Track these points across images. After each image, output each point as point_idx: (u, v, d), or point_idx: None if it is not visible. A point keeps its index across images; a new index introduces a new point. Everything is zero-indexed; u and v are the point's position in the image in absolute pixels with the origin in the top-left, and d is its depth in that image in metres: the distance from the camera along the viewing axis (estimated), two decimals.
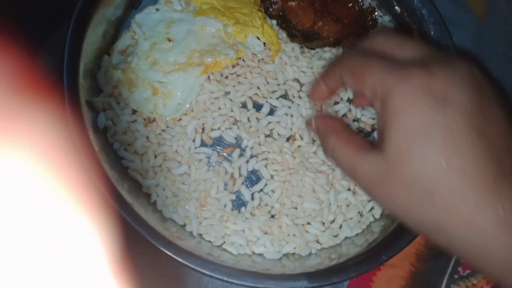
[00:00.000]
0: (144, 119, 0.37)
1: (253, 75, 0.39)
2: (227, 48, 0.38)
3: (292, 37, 0.40)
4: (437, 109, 0.25)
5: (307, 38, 0.40)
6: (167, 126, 0.37)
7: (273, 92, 0.39)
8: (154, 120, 0.37)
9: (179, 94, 0.37)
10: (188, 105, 0.37)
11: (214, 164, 0.37)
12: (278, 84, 0.39)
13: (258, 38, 0.39)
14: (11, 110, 0.13)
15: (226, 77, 0.39)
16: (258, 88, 0.39)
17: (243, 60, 0.39)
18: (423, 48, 0.28)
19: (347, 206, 0.38)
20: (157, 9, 0.39)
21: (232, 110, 0.38)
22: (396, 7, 0.43)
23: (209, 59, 0.37)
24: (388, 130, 0.26)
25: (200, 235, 0.35)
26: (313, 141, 0.38)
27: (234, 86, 0.38)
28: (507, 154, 0.25)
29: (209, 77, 0.38)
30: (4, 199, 0.12)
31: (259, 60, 0.39)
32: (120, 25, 0.39)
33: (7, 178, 0.12)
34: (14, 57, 0.15)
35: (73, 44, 0.35)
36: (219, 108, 0.38)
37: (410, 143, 0.25)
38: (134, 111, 0.37)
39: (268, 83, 0.39)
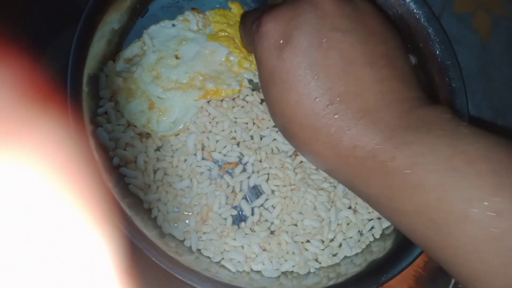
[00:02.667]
0: (139, 134, 0.36)
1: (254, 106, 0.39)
2: (231, 78, 0.38)
3: None
4: (276, 54, 0.27)
5: None
6: (168, 142, 0.36)
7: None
8: (149, 135, 0.36)
9: (175, 113, 0.36)
10: (182, 126, 0.37)
11: (215, 177, 0.37)
12: None
13: None
14: (15, 114, 0.13)
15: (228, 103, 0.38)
16: (258, 117, 0.38)
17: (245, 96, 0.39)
18: None
19: (348, 224, 0.38)
20: (174, 25, 0.39)
21: (234, 131, 0.37)
22: (400, 20, 0.43)
23: (211, 85, 0.37)
24: (258, 67, 0.30)
25: (199, 250, 0.35)
26: None
27: (233, 107, 0.38)
28: (343, 80, 0.26)
29: (208, 101, 0.38)
30: (6, 202, 0.12)
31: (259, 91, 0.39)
32: (125, 33, 0.39)
33: (10, 181, 0.12)
34: (18, 61, 0.15)
35: (78, 52, 0.34)
36: (222, 130, 0.37)
37: (265, 91, 0.29)
38: (128, 124, 0.36)
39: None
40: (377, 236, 0.38)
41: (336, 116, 0.26)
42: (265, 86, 0.28)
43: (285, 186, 0.37)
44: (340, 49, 0.26)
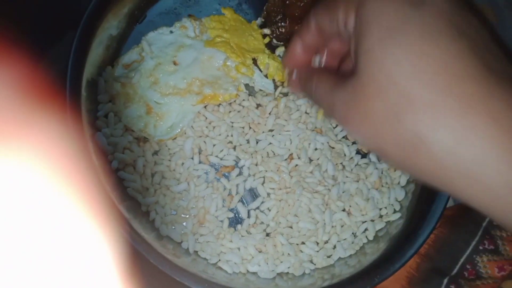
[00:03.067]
0: (136, 138, 0.37)
1: (250, 111, 0.39)
2: (228, 83, 0.38)
3: None
4: (412, 6, 0.22)
5: None
6: (165, 145, 0.37)
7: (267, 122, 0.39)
8: (146, 140, 0.37)
9: (172, 117, 0.37)
10: (178, 130, 0.37)
11: (212, 180, 0.37)
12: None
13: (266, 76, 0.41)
14: (16, 115, 0.13)
15: (225, 108, 0.39)
16: (254, 121, 0.39)
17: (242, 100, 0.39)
18: None
19: (342, 226, 0.38)
20: (171, 32, 0.40)
21: (231, 135, 0.38)
22: None
23: (208, 91, 0.38)
24: (362, 41, 0.23)
25: (196, 252, 0.36)
26: (310, 160, 0.39)
27: (230, 112, 0.39)
28: (491, 56, 0.22)
29: (205, 106, 0.38)
30: (7, 203, 0.12)
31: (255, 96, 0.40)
32: (123, 39, 0.40)
33: (11, 182, 0.13)
34: (19, 64, 0.15)
35: (77, 57, 0.35)
36: (219, 135, 0.38)
37: (383, 42, 0.22)
38: (126, 129, 0.37)
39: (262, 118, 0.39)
40: (371, 238, 0.39)
41: (496, 80, 0.21)
42: (385, 36, 0.22)
43: (280, 189, 0.38)
44: (475, 25, 0.23)
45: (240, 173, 0.38)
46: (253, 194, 0.38)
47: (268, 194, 0.38)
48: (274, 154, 0.39)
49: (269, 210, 0.38)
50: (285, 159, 0.39)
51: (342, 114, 0.25)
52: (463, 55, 0.21)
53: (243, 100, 0.39)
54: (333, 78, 0.27)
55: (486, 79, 0.21)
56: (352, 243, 0.38)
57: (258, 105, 0.39)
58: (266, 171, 0.38)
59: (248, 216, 0.37)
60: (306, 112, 0.40)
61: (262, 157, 0.38)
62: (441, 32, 0.22)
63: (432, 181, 0.23)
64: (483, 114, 0.20)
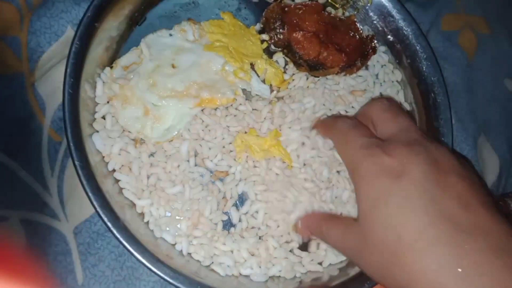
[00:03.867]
0: (133, 140, 0.37)
1: (246, 115, 0.40)
2: (226, 87, 0.39)
3: (298, 66, 0.41)
4: (392, 181, 0.29)
5: (312, 68, 0.41)
6: (162, 147, 0.37)
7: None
8: (143, 141, 0.37)
9: (169, 120, 0.37)
10: (175, 133, 0.37)
11: (207, 183, 0.38)
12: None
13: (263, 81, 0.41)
14: None
15: (222, 112, 0.39)
16: (249, 125, 0.39)
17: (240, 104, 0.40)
18: (396, 128, 0.33)
19: None
20: (171, 35, 0.40)
21: (223, 138, 0.38)
22: (390, 37, 0.45)
23: (206, 94, 0.38)
24: (359, 203, 0.30)
25: (190, 254, 0.36)
26: (304, 164, 0.39)
27: (226, 116, 0.39)
28: (466, 216, 0.27)
29: (203, 109, 0.39)
30: None
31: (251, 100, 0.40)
32: (122, 41, 0.40)
33: None
34: None
35: (76, 57, 0.35)
36: (215, 138, 0.38)
37: (372, 210, 0.29)
38: (123, 130, 0.37)
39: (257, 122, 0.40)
40: None
41: (465, 248, 0.25)
42: (376, 208, 0.29)
43: (266, 191, 0.38)
44: (457, 189, 0.28)
45: (234, 177, 0.38)
46: (244, 197, 0.39)
47: (256, 195, 0.38)
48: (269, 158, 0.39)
49: (257, 213, 0.38)
50: (279, 160, 0.39)
51: (352, 254, 0.31)
52: (434, 222, 0.27)
53: (240, 104, 0.39)
54: (342, 223, 0.33)
55: (453, 242, 0.26)
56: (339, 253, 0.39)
57: (254, 110, 0.40)
58: (259, 174, 0.38)
59: (240, 221, 0.38)
60: (301, 113, 0.40)
61: (253, 161, 0.38)
62: (415, 202, 0.27)
63: None
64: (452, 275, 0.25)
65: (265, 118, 0.39)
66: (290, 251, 0.38)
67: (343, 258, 0.38)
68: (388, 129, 0.33)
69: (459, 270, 0.25)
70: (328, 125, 0.38)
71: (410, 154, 0.30)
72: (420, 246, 0.26)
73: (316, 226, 0.35)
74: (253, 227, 0.38)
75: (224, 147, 0.38)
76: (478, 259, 0.25)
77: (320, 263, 0.38)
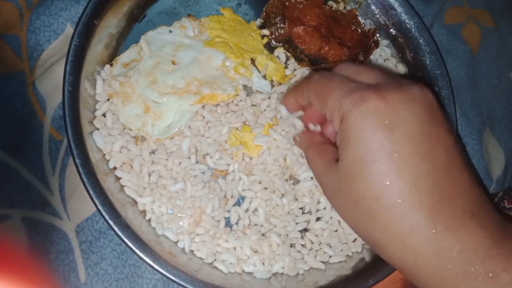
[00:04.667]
0: (134, 137, 0.37)
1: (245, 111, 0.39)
2: (227, 83, 0.38)
3: (299, 61, 0.41)
4: (385, 133, 0.26)
5: (314, 62, 0.41)
6: (163, 144, 0.37)
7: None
8: (144, 139, 0.37)
9: (170, 117, 0.37)
10: (176, 129, 0.37)
11: (209, 180, 0.37)
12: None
13: (264, 77, 0.41)
14: None
15: (223, 108, 0.39)
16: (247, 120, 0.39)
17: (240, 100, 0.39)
18: (379, 75, 0.30)
19: (335, 231, 0.39)
20: (170, 31, 0.40)
21: (222, 135, 0.38)
22: (392, 30, 0.44)
23: (207, 90, 0.38)
24: (342, 150, 0.28)
25: (192, 251, 0.36)
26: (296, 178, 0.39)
27: (227, 113, 0.39)
28: (448, 178, 0.26)
29: (203, 106, 0.38)
30: None
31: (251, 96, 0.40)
32: (122, 38, 0.40)
33: None
34: None
35: (75, 55, 0.35)
36: (213, 135, 0.38)
37: (358, 165, 0.27)
38: (124, 127, 0.37)
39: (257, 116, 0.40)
40: (359, 250, 0.39)
41: (442, 213, 0.25)
42: (354, 166, 0.27)
43: (266, 188, 0.38)
44: (445, 145, 0.27)
45: (234, 177, 0.38)
46: (244, 195, 0.38)
47: (255, 193, 0.38)
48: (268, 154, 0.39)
49: (257, 211, 0.37)
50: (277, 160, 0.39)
51: (327, 193, 0.31)
52: (418, 184, 0.26)
53: (240, 100, 0.39)
54: (326, 156, 0.31)
55: (433, 208, 0.26)
56: (342, 250, 0.38)
57: (253, 106, 0.39)
58: (258, 174, 0.38)
59: (240, 218, 0.37)
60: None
61: (250, 159, 0.38)
62: (405, 160, 0.26)
63: (394, 265, 0.28)
64: (432, 229, 0.26)
65: (261, 112, 0.39)
66: (291, 246, 0.37)
67: (345, 257, 0.38)
68: (372, 77, 0.30)
69: (433, 232, 0.25)
70: (302, 84, 0.33)
71: (405, 99, 0.27)
72: (398, 209, 0.26)
73: (305, 147, 0.34)
74: (255, 224, 0.37)
75: (220, 144, 0.38)
76: (453, 223, 0.25)
77: (323, 261, 0.38)
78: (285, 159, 0.38)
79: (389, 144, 0.26)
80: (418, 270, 0.26)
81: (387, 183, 0.26)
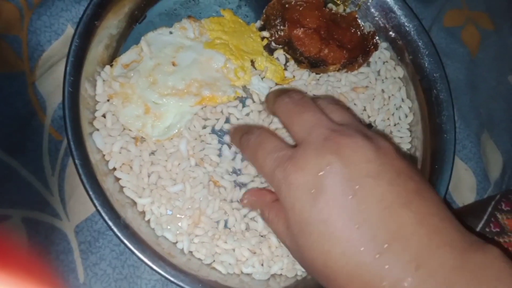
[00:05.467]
0: (133, 138, 0.37)
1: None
2: (227, 85, 0.39)
3: (299, 63, 0.41)
4: (311, 204, 0.26)
5: (313, 64, 0.41)
6: (162, 145, 0.37)
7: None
8: (144, 139, 0.37)
9: (170, 118, 0.37)
10: (176, 131, 0.37)
11: (208, 182, 0.38)
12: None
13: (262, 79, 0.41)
14: None
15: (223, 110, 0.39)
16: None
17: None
18: (346, 117, 0.31)
19: None
20: (171, 32, 0.40)
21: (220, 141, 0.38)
22: (392, 33, 0.44)
23: (207, 92, 0.38)
24: (286, 214, 0.28)
25: (191, 252, 0.36)
26: None
27: (228, 115, 0.39)
28: (386, 226, 0.25)
29: (203, 108, 0.38)
30: None
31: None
32: (123, 39, 0.40)
33: None
34: None
35: (76, 56, 0.35)
36: (212, 140, 0.38)
37: (298, 235, 0.27)
38: (124, 128, 0.37)
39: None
40: None
41: (387, 267, 0.24)
42: (299, 235, 0.27)
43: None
44: (374, 194, 0.26)
45: (234, 180, 0.38)
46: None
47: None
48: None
49: (259, 218, 0.37)
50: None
51: (294, 255, 0.30)
52: (355, 246, 0.25)
53: (239, 102, 0.39)
54: (282, 219, 0.30)
55: (378, 264, 0.24)
56: None
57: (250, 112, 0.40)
58: (256, 179, 0.38)
59: (237, 221, 0.37)
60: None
61: (247, 165, 0.38)
62: (334, 227, 0.26)
63: None
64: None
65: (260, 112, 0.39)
66: None
67: None
68: (297, 131, 0.30)
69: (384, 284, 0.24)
70: (237, 139, 0.34)
71: (321, 163, 0.27)
72: (345, 272, 0.25)
73: (260, 210, 0.34)
74: (255, 229, 0.38)
75: (218, 149, 0.38)
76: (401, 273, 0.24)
77: None
78: None
79: (316, 213, 0.26)
80: None
81: (327, 250, 0.26)
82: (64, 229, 0.35)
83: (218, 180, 0.37)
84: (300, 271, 0.37)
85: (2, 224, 0.34)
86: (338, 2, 0.45)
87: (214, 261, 0.36)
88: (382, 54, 0.44)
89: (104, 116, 0.37)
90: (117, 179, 0.36)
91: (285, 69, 0.42)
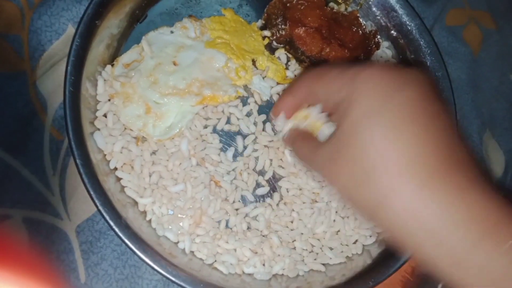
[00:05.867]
0: (134, 138, 0.37)
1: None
2: (228, 85, 0.39)
3: (300, 62, 0.41)
4: (390, 95, 0.26)
5: (315, 64, 0.41)
6: (164, 145, 0.37)
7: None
8: (145, 139, 0.37)
9: (171, 118, 0.37)
10: (177, 130, 0.37)
11: (210, 182, 0.37)
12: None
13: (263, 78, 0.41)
14: None
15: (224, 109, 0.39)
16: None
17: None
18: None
19: (337, 233, 0.39)
20: (172, 32, 0.40)
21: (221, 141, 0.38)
22: (393, 32, 0.44)
23: (208, 92, 0.38)
24: (348, 114, 0.27)
25: (192, 252, 0.36)
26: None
27: (229, 115, 0.39)
28: (451, 145, 0.26)
29: (204, 107, 0.38)
30: None
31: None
32: (123, 38, 0.40)
33: None
34: None
35: (76, 55, 0.35)
36: (213, 139, 0.38)
37: (360, 123, 0.27)
38: (125, 128, 0.37)
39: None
40: (359, 252, 0.39)
41: (448, 179, 0.25)
42: (357, 124, 0.27)
43: (269, 196, 0.38)
44: (444, 118, 0.27)
45: (235, 178, 0.38)
46: (245, 199, 0.38)
47: (258, 200, 0.38)
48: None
49: (261, 217, 0.38)
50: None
51: (318, 165, 0.30)
52: (418, 143, 0.25)
53: (240, 102, 0.39)
54: (315, 141, 0.31)
55: (433, 177, 0.25)
56: (342, 252, 0.38)
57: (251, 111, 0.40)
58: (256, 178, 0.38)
59: (241, 223, 0.37)
60: None
61: (248, 165, 0.38)
62: (404, 121, 0.26)
63: (394, 235, 0.26)
64: (436, 193, 0.25)
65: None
66: (293, 248, 0.38)
67: (345, 259, 0.38)
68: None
69: (439, 197, 0.24)
70: (299, 81, 0.34)
71: (407, 73, 0.27)
72: (398, 173, 0.25)
73: (292, 141, 0.34)
74: (257, 229, 0.37)
75: (220, 149, 0.38)
76: (460, 188, 0.24)
77: (323, 263, 0.38)
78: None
79: (391, 104, 0.26)
80: (422, 241, 0.25)
81: (389, 146, 0.25)
82: (65, 229, 0.35)
83: (219, 180, 0.37)
84: (302, 271, 0.37)
85: (3, 224, 0.34)
86: (340, 1, 0.44)
87: (215, 261, 0.36)
88: (384, 53, 0.44)
89: (105, 115, 0.37)
90: (118, 179, 0.36)
91: (287, 68, 0.42)
